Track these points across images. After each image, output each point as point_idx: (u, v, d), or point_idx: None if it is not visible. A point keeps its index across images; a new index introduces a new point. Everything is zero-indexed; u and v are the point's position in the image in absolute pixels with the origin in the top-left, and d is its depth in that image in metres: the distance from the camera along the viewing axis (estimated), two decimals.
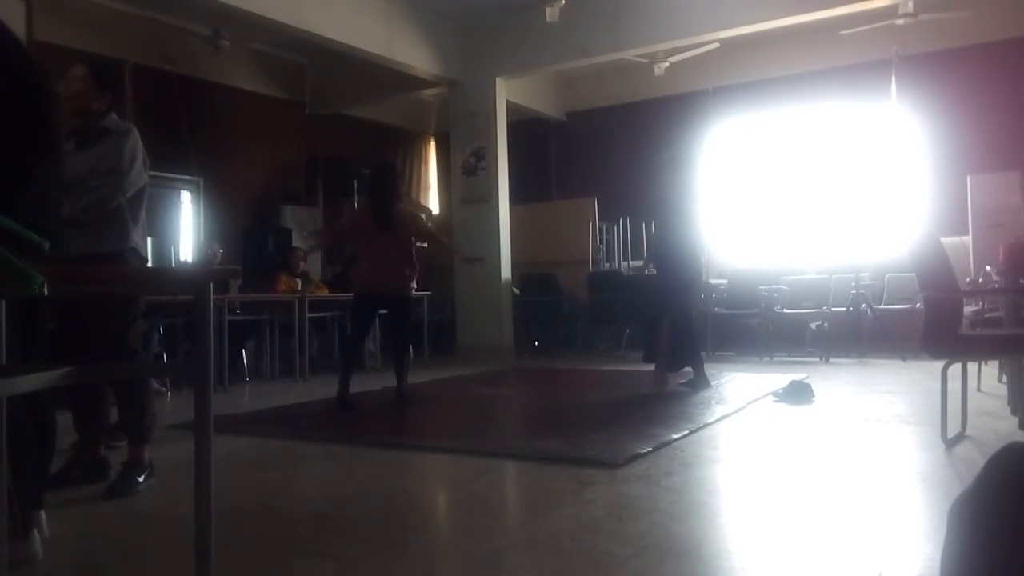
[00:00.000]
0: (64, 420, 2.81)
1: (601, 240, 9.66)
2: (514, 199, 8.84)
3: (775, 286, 7.68)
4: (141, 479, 2.89)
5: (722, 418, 4.15)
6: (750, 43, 8.40)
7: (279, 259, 7.94)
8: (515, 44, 8.48)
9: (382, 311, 5.19)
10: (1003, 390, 4.37)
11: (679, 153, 5.62)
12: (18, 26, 5.13)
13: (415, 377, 5.39)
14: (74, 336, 2.91)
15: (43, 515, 2.21)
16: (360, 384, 6.13)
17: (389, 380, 5.65)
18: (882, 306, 7.57)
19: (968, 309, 5.16)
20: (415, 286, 5.15)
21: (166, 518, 2.60)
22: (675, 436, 3.60)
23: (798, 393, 4.75)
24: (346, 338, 5.18)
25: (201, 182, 8.53)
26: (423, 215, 5.34)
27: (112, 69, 3.20)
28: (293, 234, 8.93)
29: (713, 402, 4.71)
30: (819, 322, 7.49)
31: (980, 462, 1.04)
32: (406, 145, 11.01)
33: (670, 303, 5.29)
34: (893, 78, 7.88)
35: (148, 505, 2.77)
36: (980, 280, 5.56)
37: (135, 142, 2.99)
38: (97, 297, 2.84)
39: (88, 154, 2.91)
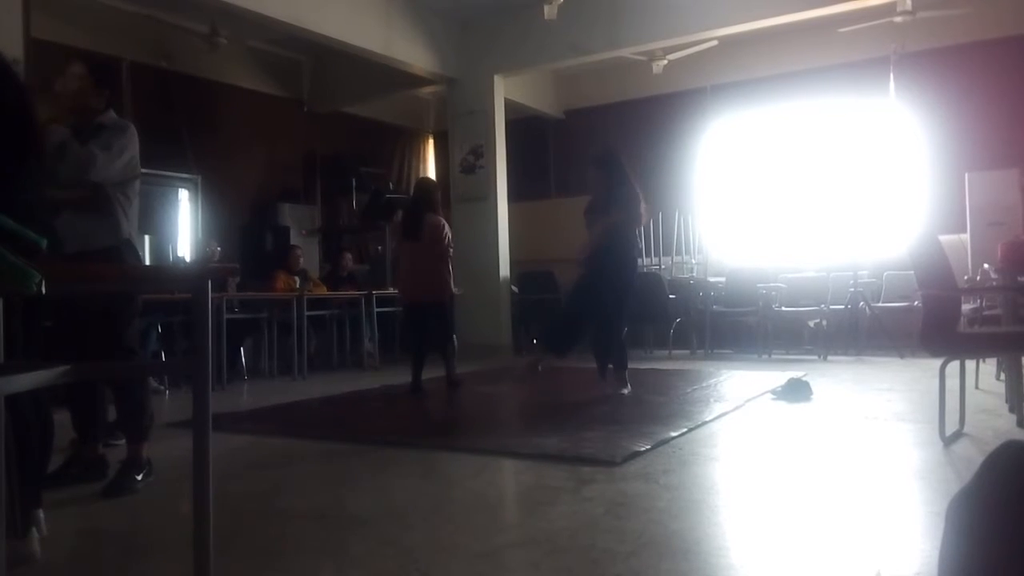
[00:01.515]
0: (62, 418, 2.82)
1: None
2: (512, 197, 8.84)
3: (773, 284, 7.69)
4: (139, 477, 2.88)
5: (720, 416, 4.16)
6: (748, 41, 8.39)
7: (277, 257, 7.94)
8: (513, 42, 8.47)
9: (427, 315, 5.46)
10: (1001, 388, 4.37)
11: (606, 154, 5.35)
12: (15, 23, 5.12)
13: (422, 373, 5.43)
14: (70, 334, 2.91)
15: (41, 514, 2.21)
16: (358, 383, 6.14)
17: (388, 379, 5.66)
18: (880, 304, 7.58)
19: (966, 307, 5.17)
20: (452, 290, 5.50)
21: (165, 516, 2.60)
22: (673, 434, 3.60)
23: (796, 391, 4.75)
24: (410, 340, 5.76)
25: (199, 180, 8.51)
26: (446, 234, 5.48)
27: (109, 68, 3.21)
28: (291, 232, 8.93)
29: (711, 400, 4.71)
30: (817, 320, 7.49)
31: (978, 460, 1.04)
32: (404, 143, 11.00)
33: (603, 306, 4.98)
34: (891, 75, 7.87)
35: (147, 504, 2.77)
36: (978, 278, 5.57)
37: (131, 137, 3.00)
38: (95, 296, 2.84)
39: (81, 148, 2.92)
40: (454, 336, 5.65)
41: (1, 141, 1.91)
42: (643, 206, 5.09)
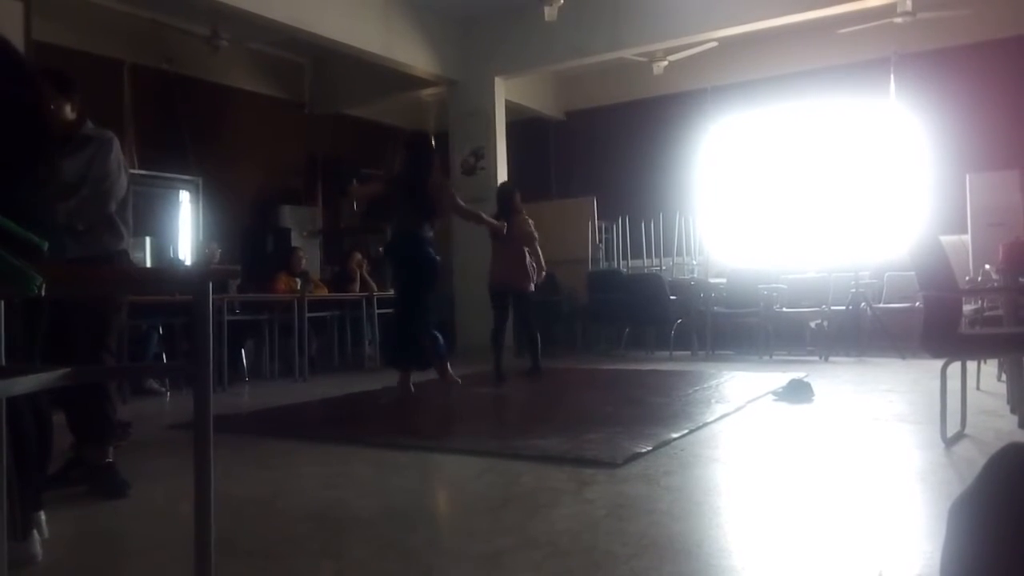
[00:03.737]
0: (61, 421, 2.81)
1: (600, 239, 9.65)
2: None
3: (774, 285, 7.68)
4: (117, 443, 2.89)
5: (722, 417, 4.15)
6: (749, 42, 8.40)
7: (278, 259, 7.95)
8: (514, 43, 8.48)
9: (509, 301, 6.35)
10: (1002, 389, 4.37)
11: (417, 137, 5.31)
12: (16, 26, 5.13)
13: (419, 375, 5.41)
14: (59, 338, 2.89)
15: (43, 516, 2.21)
16: (360, 383, 6.14)
17: (389, 381, 5.65)
18: (881, 305, 7.58)
19: (967, 308, 5.17)
20: (532, 283, 6.38)
21: (166, 518, 2.60)
22: (675, 435, 3.60)
23: (798, 392, 4.74)
24: (493, 327, 6.46)
25: (200, 182, 8.52)
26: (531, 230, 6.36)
27: (65, 72, 3.20)
28: (292, 234, 8.94)
29: (713, 401, 4.71)
30: (819, 321, 7.49)
31: (980, 461, 1.04)
32: None
33: (409, 301, 5.03)
34: (892, 76, 7.88)
35: (148, 505, 2.77)
36: (979, 279, 5.57)
37: (118, 150, 3.04)
38: (82, 300, 2.82)
39: (73, 161, 2.92)
40: (537, 334, 6.38)
41: (16, 139, 1.89)
42: (449, 198, 5.25)
